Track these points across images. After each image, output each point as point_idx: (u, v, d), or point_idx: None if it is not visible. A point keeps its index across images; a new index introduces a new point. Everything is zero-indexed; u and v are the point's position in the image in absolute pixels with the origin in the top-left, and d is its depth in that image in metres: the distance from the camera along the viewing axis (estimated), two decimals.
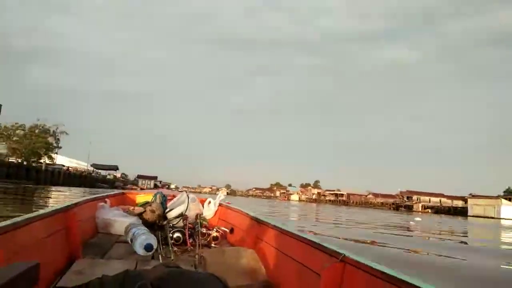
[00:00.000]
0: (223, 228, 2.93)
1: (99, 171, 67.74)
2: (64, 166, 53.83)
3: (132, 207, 3.35)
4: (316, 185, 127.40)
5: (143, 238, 2.25)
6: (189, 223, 2.95)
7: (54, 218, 1.82)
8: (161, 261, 2.11)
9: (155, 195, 3.80)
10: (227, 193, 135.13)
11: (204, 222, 3.36)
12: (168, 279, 1.17)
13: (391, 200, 79.49)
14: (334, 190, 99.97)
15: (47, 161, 48.92)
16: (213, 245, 2.76)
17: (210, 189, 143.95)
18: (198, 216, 3.28)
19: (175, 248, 2.45)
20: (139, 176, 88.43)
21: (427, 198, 76.39)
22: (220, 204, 3.58)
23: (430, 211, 64.67)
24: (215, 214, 3.53)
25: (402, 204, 73.98)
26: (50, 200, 15.73)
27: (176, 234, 2.69)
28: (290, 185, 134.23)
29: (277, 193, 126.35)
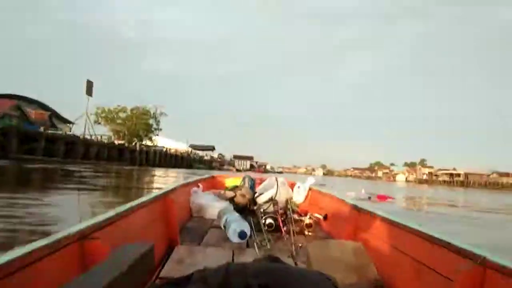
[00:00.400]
0: (316, 215, 2.77)
1: (197, 152, 68.88)
2: (164, 147, 54.11)
3: (223, 191, 3.37)
4: (422, 164, 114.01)
5: (237, 225, 2.20)
6: (279, 209, 2.85)
7: (154, 204, 1.84)
8: (256, 249, 2.03)
9: (243, 179, 3.79)
10: (324, 173, 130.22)
11: (295, 208, 3.25)
12: (275, 277, 1.05)
13: None
14: (448, 169, 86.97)
15: (148, 143, 50.18)
16: (306, 232, 2.63)
17: (305, 169, 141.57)
18: (289, 200, 3.17)
19: (269, 236, 2.36)
20: (236, 157, 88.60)
21: None
22: (310, 188, 3.42)
23: None
24: (305, 199, 3.38)
25: None
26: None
27: (269, 220, 2.61)
28: (392, 164, 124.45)
29: (379, 173, 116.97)
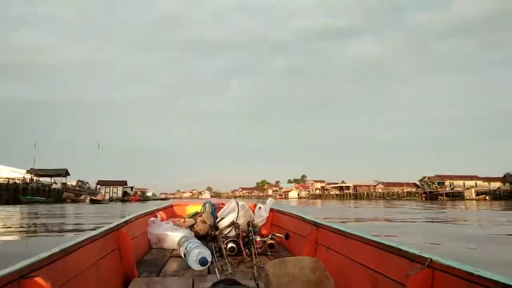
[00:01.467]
0: (277, 235, 2.77)
1: (40, 178, 48.91)
2: None
3: (183, 219, 3.29)
4: (303, 180, 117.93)
5: (197, 252, 2.15)
6: (241, 232, 2.83)
7: (106, 238, 1.76)
8: (218, 275, 1.99)
9: (204, 205, 3.73)
10: (211, 195, 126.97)
11: (257, 230, 3.23)
12: None
13: (412, 189, 66.74)
14: (337, 183, 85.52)
15: None
16: (269, 253, 2.62)
17: (191, 193, 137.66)
18: (250, 223, 3.15)
19: (231, 260, 2.33)
20: (101, 182, 63.76)
21: (460, 182, 64.22)
22: (271, 209, 3.43)
23: (487, 197, 51.41)
24: (267, 220, 3.38)
25: (438, 192, 59.61)
26: None
27: (230, 244, 2.57)
28: (278, 182, 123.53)
29: (269, 191, 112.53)
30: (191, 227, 3.10)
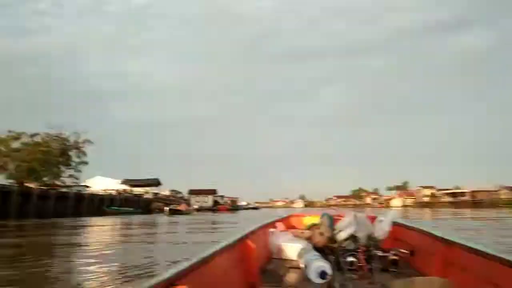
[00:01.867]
0: (402, 250, 2.60)
1: (133, 188, 48.02)
2: (87, 186, 39.04)
3: (301, 231, 3.36)
4: (405, 186, 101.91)
5: (317, 264, 2.18)
6: (361, 246, 2.74)
7: (234, 248, 1.92)
8: None
9: (321, 216, 3.74)
10: (305, 205, 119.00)
11: (377, 244, 3.09)
12: None
13: None
14: (449, 189, 74.30)
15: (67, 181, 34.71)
16: (392, 270, 2.47)
17: (284, 202, 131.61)
18: (370, 236, 3.03)
19: (351, 274, 2.28)
20: (192, 192, 64.60)
21: None
22: (393, 223, 3.24)
23: None
24: (388, 234, 3.20)
25: None
26: None
27: (350, 259, 2.52)
28: (376, 189, 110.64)
29: (368, 200, 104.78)
30: (309, 238, 3.14)
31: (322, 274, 2.12)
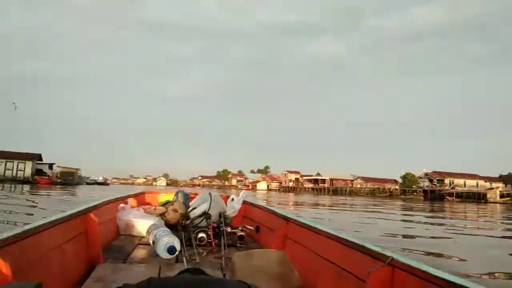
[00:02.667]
0: (248, 227, 2.79)
1: None
2: None
3: (154, 207, 3.26)
4: (266, 171, 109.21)
5: (166, 240, 2.14)
6: (212, 222, 2.83)
7: (72, 222, 1.73)
8: (185, 264, 1.99)
9: (176, 194, 3.71)
10: (167, 183, 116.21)
11: (228, 221, 3.24)
12: None
13: (393, 186, 59.85)
14: (311, 175, 75.97)
15: None
16: (238, 245, 2.64)
17: (145, 179, 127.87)
18: (222, 214, 3.16)
19: (200, 250, 2.33)
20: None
21: (461, 181, 55.63)
22: (243, 202, 3.45)
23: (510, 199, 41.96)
24: (239, 212, 3.40)
25: (444, 190, 49.82)
26: None
27: (200, 234, 2.58)
28: (240, 171, 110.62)
29: (233, 181, 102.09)
30: (162, 215, 3.08)
31: (171, 249, 2.10)
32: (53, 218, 1.50)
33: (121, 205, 2.88)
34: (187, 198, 3.66)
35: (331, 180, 71.22)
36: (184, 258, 2.05)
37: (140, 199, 3.72)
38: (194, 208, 3.26)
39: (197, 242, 2.48)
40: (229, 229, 2.78)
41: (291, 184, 79.89)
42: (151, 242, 2.32)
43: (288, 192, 67.79)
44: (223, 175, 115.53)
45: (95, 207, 2.11)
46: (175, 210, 3.15)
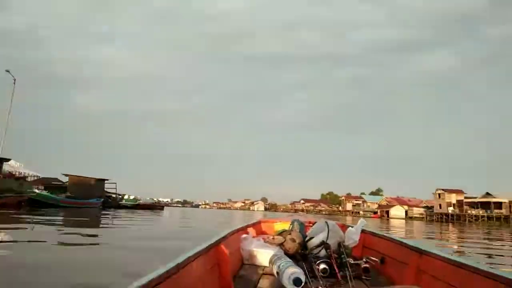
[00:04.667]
0: (372, 258, 2.63)
1: None
2: None
3: (272, 236, 3.32)
4: (378, 193, 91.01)
5: (291, 271, 2.14)
6: (332, 253, 2.75)
7: (208, 254, 1.85)
8: None
9: (292, 223, 3.73)
10: (265, 207, 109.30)
11: (348, 251, 3.11)
12: None
13: None
14: (476, 197, 53.07)
15: None
16: (364, 277, 2.49)
17: (243, 204, 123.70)
18: (341, 244, 3.05)
19: (325, 282, 2.27)
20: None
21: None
22: (363, 230, 3.28)
23: None
24: (359, 242, 3.24)
25: None
26: None
27: (322, 266, 2.51)
28: (362, 194, 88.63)
29: (348, 205, 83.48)
30: (280, 245, 3.11)
31: (296, 281, 2.09)
32: (195, 250, 1.64)
33: (243, 235, 3.00)
34: (303, 227, 3.64)
35: (511, 203, 49.25)
36: None
37: (257, 228, 3.84)
38: (311, 238, 3.22)
39: (320, 274, 2.42)
40: (351, 260, 2.66)
41: (450, 210, 53.75)
42: (275, 272, 2.35)
43: (445, 222, 47.68)
44: (330, 198, 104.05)
45: (224, 238, 2.24)
46: (293, 240, 3.15)
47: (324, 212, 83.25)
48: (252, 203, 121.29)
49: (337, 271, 2.42)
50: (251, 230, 3.32)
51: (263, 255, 2.79)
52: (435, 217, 53.94)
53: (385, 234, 2.87)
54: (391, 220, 49.29)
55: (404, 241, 2.36)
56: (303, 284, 2.11)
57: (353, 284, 2.15)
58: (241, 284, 2.25)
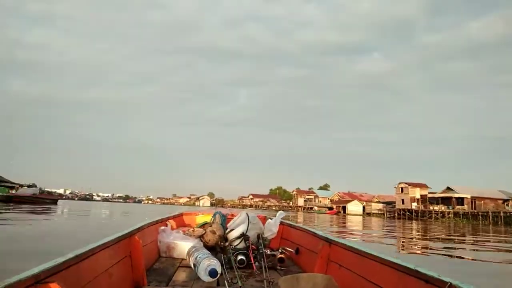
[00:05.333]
0: (288, 249, 2.74)
1: None
2: None
3: (192, 229, 3.28)
4: (326, 188, 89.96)
5: (207, 263, 2.13)
6: (251, 244, 2.80)
7: (119, 245, 1.76)
8: (227, 287, 1.96)
9: (214, 215, 3.72)
10: (212, 203, 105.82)
11: (266, 243, 3.20)
12: None
13: None
14: (435, 192, 50.64)
15: None
16: (278, 267, 2.58)
17: (188, 199, 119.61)
18: (260, 236, 3.12)
19: (240, 272, 2.30)
20: None
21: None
22: (281, 222, 3.40)
23: None
24: (277, 234, 3.35)
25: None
26: None
27: (240, 257, 2.55)
28: (311, 188, 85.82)
29: (300, 201, 76.00)
30: (200, 237, 3.09)
31: (212, 272, 2.08)
32: (103, 241, 1.54)
33: (162, 227, 2.92)
34: (225, 219, 3.65)
35: (473, 199, 47.32)
36: (225, 282, 2.03)
37: (179, 220, 3.76)
38: (232, 230, 3.25)
39: (237, 265, 2.45)
40: (268, 251, 2.74)
41: (414, 205, 49.10)
42: (192, 264, 2.32)
43: (408, 219, 44.03)
44: (279, 193, 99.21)
45: (139, 230, 2.15)
46: (213, 232, 3.15)
47: (274, 208, 73.93)
48: (198, 199, 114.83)
49: (252, 262, 2.47)
50: (171, 222, 3.23)
51: (181, 247, 2.74)
52: (397, 214, 50.04)
53: (300, 226, 3.00)
54: (348, 216, 45.56)
55: (317, 231, 2.49)
56: (219, 275, 2.11)
57: (267, 274, 2.21)
58: (155, 276, 2.18)
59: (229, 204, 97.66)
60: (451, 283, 1.11)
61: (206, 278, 2.10)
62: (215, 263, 2.16)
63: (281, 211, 3.75)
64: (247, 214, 3.36)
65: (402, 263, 1.38)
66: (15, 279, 0.90)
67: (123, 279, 1.74)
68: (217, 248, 3.01)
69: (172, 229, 3.11)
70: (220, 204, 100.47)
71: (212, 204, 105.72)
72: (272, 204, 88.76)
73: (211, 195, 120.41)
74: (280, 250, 2.69)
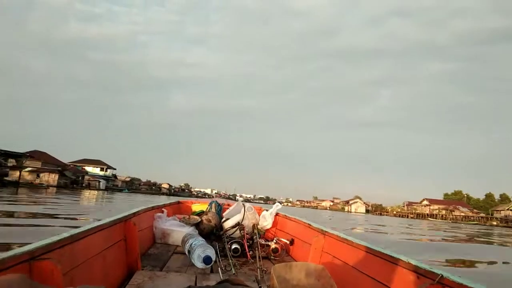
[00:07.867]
0: (282, 239, 2.75)
1: None
2: None
3: (188, 216, 3.30)
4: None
5: (201, 250, 2.14)
6: (246, 234, 2.82)
7: (114, 228, 1.77)
8: (220, 274, 1.98)
9: (210, 204, 3.74)
10: (367, 210, 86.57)
11: (261, 233, 3.22)
12: None
13: None
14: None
15: None
16: (272, 257, 2.60)
17: (332, 203, 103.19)
18: (255, 226, 3.14)
19: (234, 261, 2.32)
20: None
21: None
22: (277, 214, 3.42)
23: None
24: (272, 224, 3.37)
25: None
26: None
27: (234, 245, 2.57)
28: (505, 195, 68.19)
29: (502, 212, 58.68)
30: (196, 225, 3.10)
31: (206, 259, 2.10)
32: (98, 223, 1.54)
33: (158, 214, 2.93)
34: (221, 208, 3.67)
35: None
36: (219, 269, 2.05)
37: (176, 208, 3.78)
38: (227, 219, 3.27)
39: (231, 253, 2.47)
40: (263, 241, 2.76)
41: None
42: (186, 251, 2.33)
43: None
44: (461, 199, 77.33)
45: (134, 215, 2.16)
46: (209, 220, 3.17)
47: (474, 222, 54.29)
48: (348, 202, 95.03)
49: (247, 250, 2.49)
50: (167, 209, 3.24)
51: (177, 234, 2.76)
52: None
53: (296, 217, 3.02)
54: None
55: (312, 223, 2.51)
56: (212, 262, 2.13)
57: (261, 263, 2.23)
58: (149, 261, 2.20)
59: (394, 212, 79.09)
60: (442, 275, 1.12)
61: (200, 264, 2.11)
62: (210, 251, 2.17)
63: (277, 203, 3.77)
64: (243, 204, 3.38)
65: (394, 255, 1.40)
66: (10, 253, 0.91)
67: (117, 262, 1.75)
68: (212, 237, 3.03)
69: (168, 216, 3.12)
70: (378, 211, 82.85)
71: (367, 211, 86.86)
72: (463, 214, 64.87)
73: (357, 197, 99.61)
74: (274, 241, 2.71)
